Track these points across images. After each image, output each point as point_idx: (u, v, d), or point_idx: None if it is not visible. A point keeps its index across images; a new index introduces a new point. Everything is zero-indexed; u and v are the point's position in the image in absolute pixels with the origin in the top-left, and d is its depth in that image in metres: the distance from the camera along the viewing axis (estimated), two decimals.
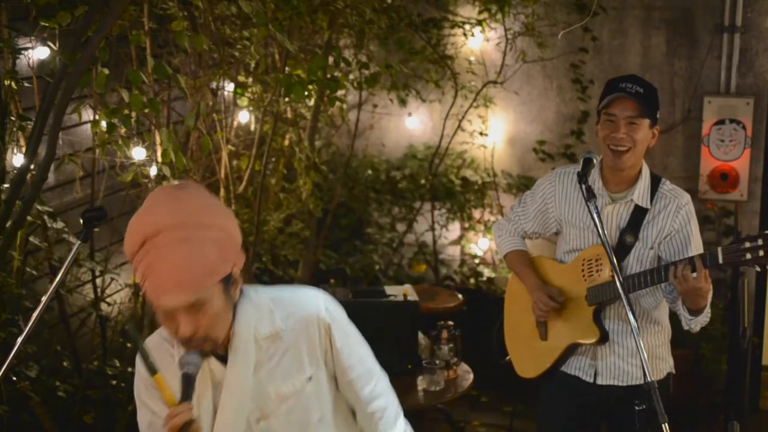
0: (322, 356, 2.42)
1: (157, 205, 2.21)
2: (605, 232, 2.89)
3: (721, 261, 2.99)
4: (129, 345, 4.52)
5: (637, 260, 3.34)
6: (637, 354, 3.26)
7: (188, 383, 2.19)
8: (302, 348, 2.38)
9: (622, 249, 3.33)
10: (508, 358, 3.76)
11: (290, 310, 2.39)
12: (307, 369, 2.39)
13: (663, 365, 3.45)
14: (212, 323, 2.20)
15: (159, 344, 2.35)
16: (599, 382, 3.43)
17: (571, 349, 3.48)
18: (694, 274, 3.02)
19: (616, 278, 2.82)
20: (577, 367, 3.48)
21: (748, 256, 2.92)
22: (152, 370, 2.25)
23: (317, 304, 2.43)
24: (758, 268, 2.93)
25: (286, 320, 2.37)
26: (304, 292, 2.46)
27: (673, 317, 3.52)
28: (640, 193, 3.34)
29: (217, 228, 2.20)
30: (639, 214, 3.33)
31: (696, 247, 3.30)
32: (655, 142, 3.36)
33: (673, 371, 3.51)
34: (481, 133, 6.10)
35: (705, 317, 3.20)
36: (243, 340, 2.31)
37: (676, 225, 3.30)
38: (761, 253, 2.90)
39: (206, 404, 2.33)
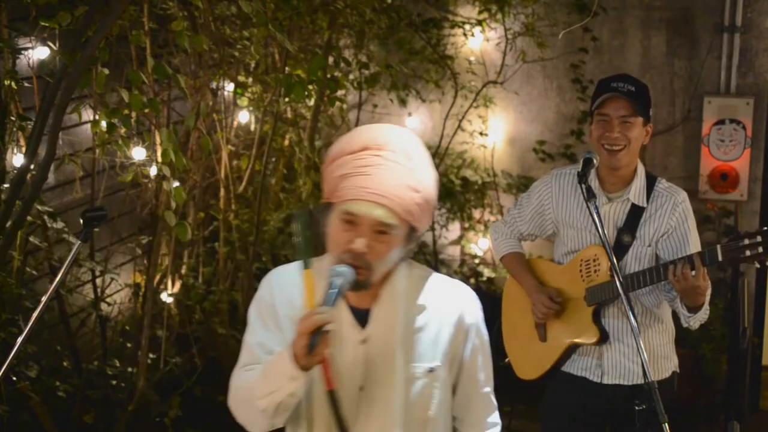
0: (451, 356, 2.28)
1: (392, 129, 2.17)
2: (604, 231, 2.89)
3: (720, 258, 2.99)
4: (129, 345, 4.53)
5: (635, 259, 3.34)
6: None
7: (337, 293, 2.06)
8: (437, 336, 2.25)
9: (619, 248, 3.33)
10: (507, 360, 3.75)
11: (439, 293, 2.29)
12: (432, 359, 2.24)
13: (668, 364, 3.45)
14: (384, 256, 2.12)
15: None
16: (605, 381, 3.43)
17: (571, 350, 3.48)
18: (693, 273, 3.02)
19: (615, 278, 2.82)
20: (583, 368, 3.47)
21: (748, 252, 2.93)
22: (308, 263, 2.14)
23: (468, 301, 2.32)
24: (758, 265, 2.94)
25: (432, 301, 2.27)
26: (461, 286, 2.35)
27: (676, 316, 3.52)
28: (636, 192, 3.35)
29: (432, 187, 2.16)
30: (636, 213, 3.35)
31: (694, 244, 3.30)
32: (648, 140, 3.37)
33: (678, 370, 3.51)
34: (481, 133, 6.10)
35: (704, 314, 3.21)
36: (394, 300, 2.22)
37: (673, 222, 3.31)
38: (760, 249, 2.90)
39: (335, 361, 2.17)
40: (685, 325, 3.25)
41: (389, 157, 2.09)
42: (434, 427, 2.29)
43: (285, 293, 2.24)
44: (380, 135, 2.14)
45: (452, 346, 2.28)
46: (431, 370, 2.25)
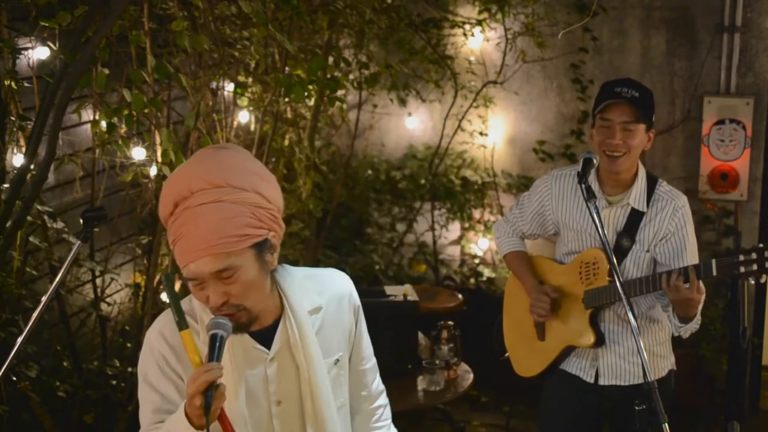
0: (348, 339, 2.34)
1: (193, 164, 2.12)
2: (604, 231, 2.89)
3: (714, 273, 3.00)
4: (129, 345, 4.53)
5: (634, 263, 3.35)
6: (637, 353, 3.27)
7: (218, 345, 2.04)
8: (334, 328, 2.30)
9: (619, 252, 3.33)
10: (507, 355, 3.76)
11: (324, 287, 2.32)
12: (335, 351, 2.30)
13: (664, 363, 3.46)
14: (245, 292, 2.10)
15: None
16: (601, 382, 3.44)
17: (568, 351, 3.49)
18: (687, 285, 3.02)
19: (616, 280, 2.82)
20: (578, 367, 3.48)
21: (742, 269, 2.93)
22: (182, 325, 2.11)
23: (348, 284, 2.37)
24: (752, 281, 2.93)
25: (322, 296, 2.30)
26: (334, 272, 2.39)
27: None
28: (636, 196, 3.34)
29: (253, 192, 2.10)
30: (635, 217, 3.34)
31: (691, 251, 3.31)
32: (650, 145, 3.36)
33: (675, 368, 3.51)
34: (481, 133, 6.10)
35: (695, 324, 3.21)
36: (300, 314, 2.22)
37: (672, 227, 3.30)
38: (755, 266, 2.90)
39: (243, 384, 2.20)
40: (675, 334, 3.26)
41: (194, 205, 2.06)
42: (347, 410, 2.37)
43: (173, 342, 2.21)
44: (180, 184, 2.09)
45: (349, 331, 2.34)
46: (337, 361, 2.31)
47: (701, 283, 3.06)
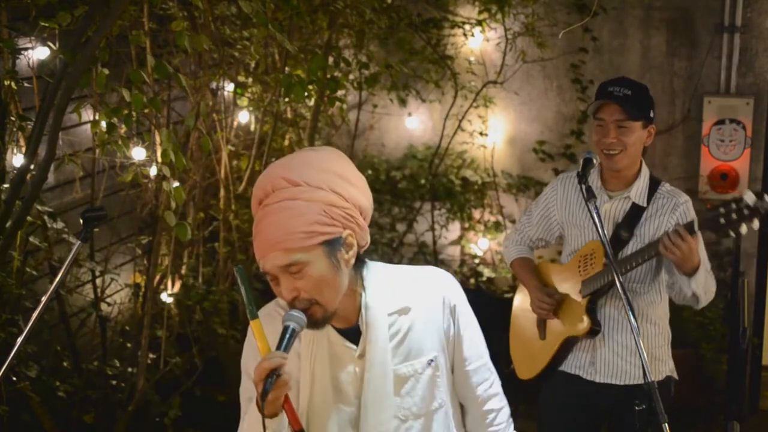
0: (445, 339, 2.32)
1: (279, 163, 2.20)
2: (604, 230, 2.90)
3: (696, 228, 3.06)
4: (129, 345, 4.53)
5: None
6: (635, 353, 3.28)
7: (288, 336, 2.08)
8: (426, 328, 2.29)
9: (617, 243, 3.37)
10: (512, 366, 3.78)
11: (416, 286, 2.31)
12: (429, 351, 2.29)
13: (662, 367, 3.46)
14: (316, 287, 2.12)
15: (271, 311, 2.28)
16: (598, 380, 3.45)
17: (568, 346, 3.50)
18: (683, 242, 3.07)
19: (611, 265, 2.85)
20: (577, 366, 3.50)
21: (722, 221, 2.98)
22: (252, 314, 2.15)
23: (444, 282, 2.35)
24: (732, 234, 2.98)
25: (412, 297, 2.29)
26: (430, 269, 2.38)
27: (673, 319, 3.53)
28: (637, 191, 3.38)
29: (329, 191, 2.14)
30: (635, 212, 3.38)
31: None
32: (651, 141, 3.38)
33: (675, 376, 3.50)
34: (481, 133, 6.10)
35: (703, 279, 3.19)
36: (377, 314, 2.24)
37: (673, 221, 3.32)
38: (734, 216, 2.94)
39: (322, 379, 2.23)
40: (689, 294, 3.22)
41: (272, 202, 2.13)
42: (446, 411, 2.34)
43: (270, 337, 2.22)
44: (264, 181, 2.17)
45: (444, 331, 2.33)
46: (431, 362, 2.30)
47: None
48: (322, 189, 2.14)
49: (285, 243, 2.09)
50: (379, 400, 2.24)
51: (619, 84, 3.31)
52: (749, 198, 2.88)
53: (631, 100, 3.27)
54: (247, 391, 2.27)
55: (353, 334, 2.26)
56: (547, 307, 3.50)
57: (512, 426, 2.46)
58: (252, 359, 2.23)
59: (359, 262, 2.26)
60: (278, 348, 2.06)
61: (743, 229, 2.94)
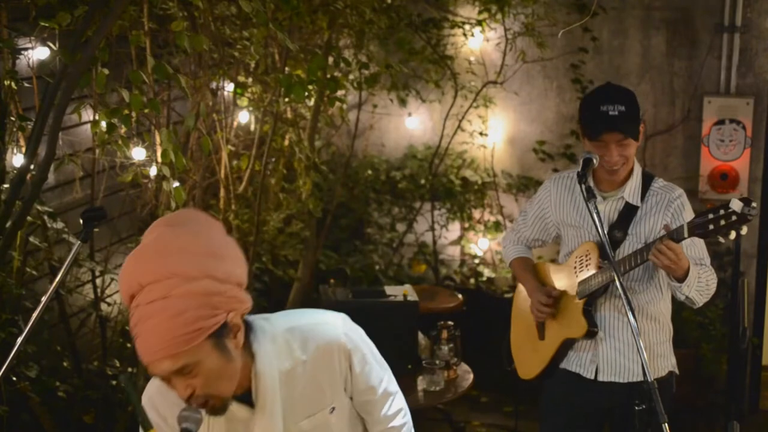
0: (342, 383, 2.29)
1: (142, 253, 2.03)
2: (604, 230, 2.91)
3: (686, 235, 3.03)
4: (129, 345, 4.52)
5: None
6: (637, 349, 3.27)
7: None
8: (323, 378, 2.25)
9: (612, 244, 3.36)
10: (513, 366, 3.79)
11: (308, 338, 2.23)
12: (329, 400, 2.27)
13: (664, 363, 3.46)
14: (211, 382, 2.03)
15: (160, 384, 2.17)
16: (600, 378, 3.45)
17: (566, 346, 3.51)
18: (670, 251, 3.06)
19: (611, 266, 2.84)
20: (578, 364, 3.49)
21: (711, 227, 2.96)
22: (145, 426, 2.09)
23: (336, 330, 2.27)
24: (721, 239, 2.97)
25: (305, 350, 2.22)
26: (321, 317, 2.30)
27: (673, 319, 3.53)
28: (630, 191, 3.37)
29: (205, 278, 2.00)
30: (629, 211, 3.38)
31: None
32: (642, 137, 3.37)
33: (676, 371, 3.51)
34: (481, 133, 6.10)
35: (698, 284, 3.19)
36: (268, 381, 2.16)
37: (668, 218, 3.32)
38: (722, 222, 2.93)
39: None
40: (682, 298, 3.23)
41: (144, 303, 1.99)
42: None
43: (168, 417, 2.21)
44: (131, 277, 2.02)
45: (342, 376, 2.29)
46: (333, 410, 2.29)
47: (697, 249, 3.16)
48: (196, 278, 1.99)
49: (169, 349, 1.97)
50: None
51: (610, 100, 3.24)
52: (735, 205, 2.87)
53: (628, 117, 3.23)
54: None
55: (248, 397, 2.19)
56: (545, 310, 3.50)
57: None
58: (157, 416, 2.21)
59: (246, 329, 2.14)
60: None
61: (732, 235, 2.94)
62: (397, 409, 2.43)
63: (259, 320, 2.21)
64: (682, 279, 3.15)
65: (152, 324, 1.97)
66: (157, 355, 1.98)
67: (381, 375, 2.39)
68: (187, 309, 1.97)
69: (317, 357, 2.23)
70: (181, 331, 1.97)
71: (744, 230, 2.92)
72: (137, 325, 2.00)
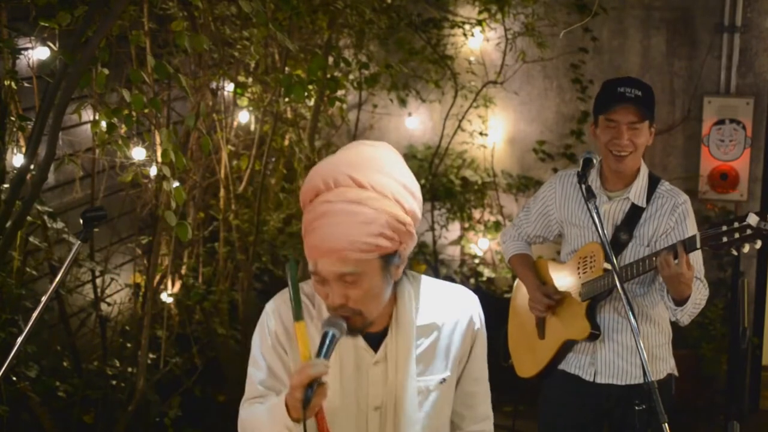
0: (459, 359, 2.31)
1: (343, 157, 2.10)
2: (605, 232, 2.90)
3: (698, 246, 3.02)
4: (129, 345, 4.53)
5: (633, 258, 3.35)
6: (635, 352, 3.27)
7: (328, 343, 2.04)
8: (448, 347, 2.27)
9: (616, 246, 3.36)
10: (510, 361, 3.78)
11: (447, 304, 2.28)
12: (443, 370, 2.28)
13: (662, 366, 3.45)
14: (365, 298, 2.08)
15: (285, 300, 2.22)
16: (598, 380, 3.45)
17: (567, 347, 3.50)
18: (676, 261, 3.03)
19: (612, 270, 2.84)
20: (577, 366, 3.49)
21: (724, 239, 2.95)
22: (298, 315, 2.10)
23: (471, 305, 2.32)
24: (734, 252, 2.96)
25: (440, 314, 2.26)
26: (461, 290, 2.34)
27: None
28: (636, 192, 3.36)
29: (395, 202, 2.07)
30: (634, 213, 3.37)
31: None
32: (651, 140, 3.38)
33: (675, 373, 3.50)
34: (481, 133, 6.10)
35: (692, 308, 3.19)
36: (406, 325, 2.20)
37: (672, 223, 3.32)
38: (737, 235, 2.92)
39: (347, 382, 2.21)
40: (673, 319, 3.25)
41: (334, 200, 2.04)
42: (445, 429, 2.34)
43: (287, 323, 2.23)
44: (326, 173, 2.08)
45: (461, 352, 2.31)
46: (443, 381, 2.28)
47: (693, 260, 3.08)
48: (388, 198, 2.06)
49: (348, 252, 2.02)
50: (401, 406, 2.22)
51: (629, 85, 3.28)
52: (752, 220, 2.87)
53: (643, 101, 3.26)
54: (258, 375, 2.23)
55: (376, 339, 2.23)
56: (542, 308, 3.49)
57: None
58: (267, 341, 2.22)
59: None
60: (319, 355, 2.03)
61: (746, 248, 2.93)
62: (489, 413, 2.45)
63: (409, 273, 2.27)
64: (681, 303, 3.14)
65: (338, 221, 2.02)
66: (332, 254, 2.02)
67: (486, 374, 2.42)
68: (375, 221, 2.03)
69: (448, 322, 2.27)
70: (365, 238, 2.02)
71: (758, 244, 2.91)
72: (319, 219, 2.04)
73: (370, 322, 2.15)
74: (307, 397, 1.99)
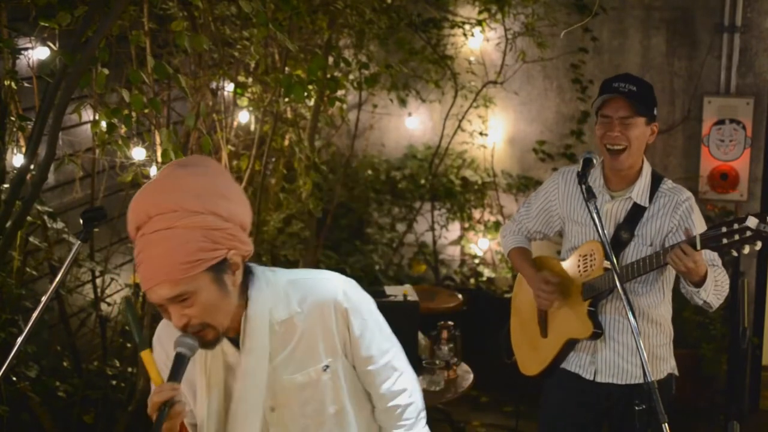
0: (341, 344, 2.33)
1: (151, 187, 2.16)
2: (604, 231, 2.90)
3: (698, 248, 3.02)
4: (129, 345, 4.53)
5: (636, 257, 3.34)
6: (636, 352, 3.27)
7: (179, 364, 2.13)
8: (318, 335, 2.29)
9: (617, 245, 3.35)
10: (513, 358, 3.78)
11: (307, 293, 2.30)
12: (323, 358, 2.30)
13: (663, 365, 3.45)
14: (206, 313, 2.13)
15: (168, 324, 2.27)
16: (598, 379, 3.44)
17: (570, 346, 3.50)
18: (687, 255, 3.04)
19: (612, 269, 2.84)
20: (577, 365, 3.49)
21: (725, 240, 2.95)
22: (142, 346, 2.22)
23: (335, 287, 2.33)
24: (735, 253, 2.96)
25: (302, 304, 2.28)
26: (322, 275, 2.37)
27: (673, 319, 3.52)
28: (639, 191, 3.36)
29: (209, 214, 2.11)
30: (636, 212, 3.36)
31: None
32: (654, 139, 3.38)
33: (676, 373, 3.50)
34: (481, 133, 6.10)
35: (714, 288, 3.17)
36: (257, 325, 2.24)
37: (675, 222, 3.31)
38: (737, 237, 2.92)
39: (217, 388, 2.28)
40: (700, 303, 3.21)
41: (149, 232, 2.12)
42: (348, 413, 2.38)
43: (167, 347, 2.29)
44: (139, 208, 2.15)
45: (339, 336, 2.33)
46: (326, 368, 2.31)
47: (703, 252, 3.07)
48: (200, 213, 2.11)
49: (169, 275, 2.08)
50: (245, 408, 2.27)
51: (624, 80, 3.30)
52: (751, 222, 2.87)
53: (636, 96, 3.26)
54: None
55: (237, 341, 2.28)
56: (546, 295, 3.48)
57: (423, 421, 2.46)
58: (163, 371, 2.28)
59: (246, 272, 2.25)
60: (170, 378, 2.12)
61: (746, 250, 2.93)
62: (401, 387, 2.43)
63: (264, 270, 2.30)
64: (699, 284, 3.14)
65: (156, 251, 2.10)
66: (157, 280, 2.09)
67: (384, 347, 2.41)
68: (189, 240, 2.09)
69: (313, 311, 2.29)
70: (183, 259, 2.08)
71: (758, 245, 2.91)
72: (141, 253, 2.13)
73: (224, 332, 2.20)
74: (159, 422, 2.08)
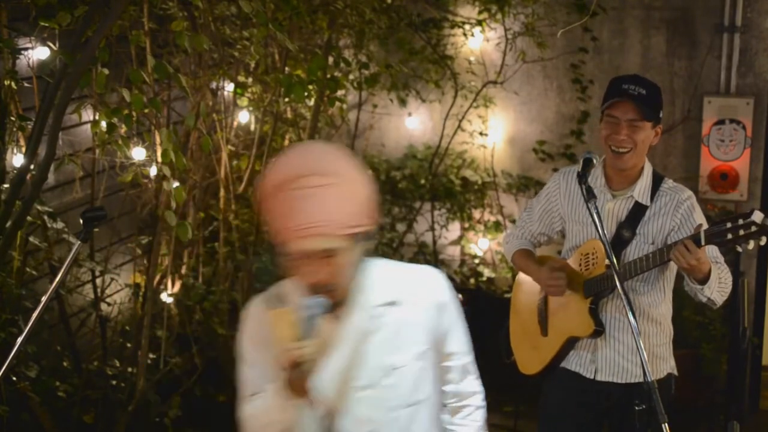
0: (435, 335, 2.37)
1: (304, 151, 2.24)
2: (604, 230, 2.90)
3: (703, 243, 3.02)
4: (129, 345, 4.53)
5: (637, 255, 3.34)
6: (636, 351, 3.27)
7: (311, 324, 2.12)
8: (417, 322, 2.34)
9: (619, 243, 3.35)
10: (512, 358, 3.77)
11: (411, 281, 2.37)
12: (419, 344, 2.34)
13: (663, 365, 3.45)
14: (340, 274, 2.18)
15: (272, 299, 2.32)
16: (598, 378, 3.45)
17: (570, 344, 3.50)
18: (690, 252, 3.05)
19: (611, 268, 2.84)
20: (578, 363, 3.49)
21: (729, 236, 2.96)
22: (272, 303, 2.24)
23: (436, 280, 2.40)
24: (739, 249, 2.98)
25: (403, 292, 2.34)
26: (426, 269, 2.43)
27: (673, 319, 3.52)
28: (640, 191, 3.36)
29: (361, 183, 2.20)
30: (638, 210, 3.36)
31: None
32: (657, 141, 3.38)
33: (675, 372, 3.50)
34: (481, 133, 6.10)
35: (718, 285, 3.17)
36: (360, 303, 2.28)
37: (677, 220, 3.31)
38: (741, 232, 2.93)
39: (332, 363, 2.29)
40: (704, 300, 3.22)
41: (309, 186, 2.13)
42: (432, 404, 2.41)
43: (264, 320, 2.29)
44: (300, 164, 2.18)
45: (434, 327, 2.37)
46: (421, 354, 2.35)
47: (706, 249, 3.08)
48: (359, 181, 2.20)
49: (329, 228, 2.12)
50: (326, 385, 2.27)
51: (634, 82, 3.29)
52: (757, 217, 2.88)
53: (646, 100, 3.26)
54: (256, 368, 2.29)
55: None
56: (556, 284, 3.45)
57: (486, 428, 2.53)
58: (252, 346, 2.29)
59: None
60: (304, 336, 2.10)
61: (750, 245, 2.94)
62: (475, 390, 2.50)
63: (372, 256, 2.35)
64: (703, 281, 3.14)
65: (319, 201, 2.11)
66: (314, 231, 2.10)
67: (466, 347, 2.46)
68: (354, 200, 2.17)
69: (415, 300, 2.34)
70: (345, 216, 2.14)
71: (763, 241, 2.92)
72: (295, 205, 2.11)
73: (344, 298, 2.25)
74: (296, 377, 2.08)
